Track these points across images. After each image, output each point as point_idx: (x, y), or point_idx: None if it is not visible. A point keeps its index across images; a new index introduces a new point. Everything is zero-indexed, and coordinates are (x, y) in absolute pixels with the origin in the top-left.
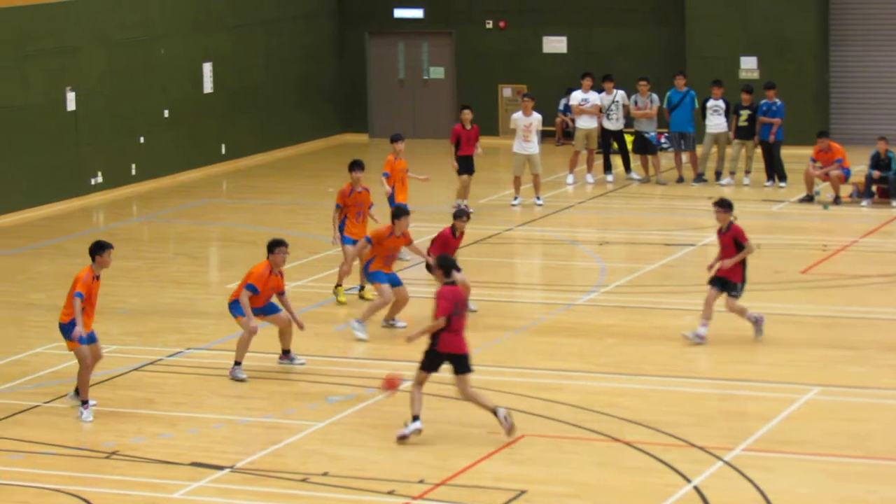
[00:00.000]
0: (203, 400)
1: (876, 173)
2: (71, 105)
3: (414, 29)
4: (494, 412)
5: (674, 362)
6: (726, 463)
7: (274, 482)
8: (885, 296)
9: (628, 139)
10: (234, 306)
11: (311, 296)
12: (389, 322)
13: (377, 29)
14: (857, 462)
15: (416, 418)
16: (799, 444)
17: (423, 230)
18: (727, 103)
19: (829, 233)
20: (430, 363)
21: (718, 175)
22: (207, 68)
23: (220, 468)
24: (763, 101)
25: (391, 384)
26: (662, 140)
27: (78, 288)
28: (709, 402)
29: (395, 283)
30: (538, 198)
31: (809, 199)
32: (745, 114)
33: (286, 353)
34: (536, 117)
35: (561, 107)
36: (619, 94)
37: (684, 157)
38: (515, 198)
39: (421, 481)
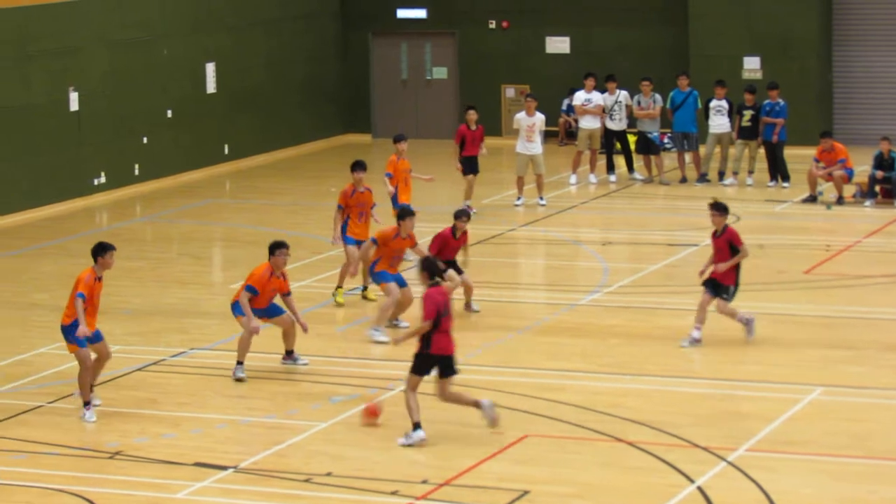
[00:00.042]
0: (206, 400)
1: (879, 173)
2: (73, 105)
3: (417, 29)
4: (478, 405)
5: (677, 363)
6: (729, 463)
7: (277, 482)
8: (888, 296)
9: (631, 139)
10: (237, 307)
11: (313, 296)
12: (393, 322)
13: (380, 29)
14: (858, 462)
15: (417, 426)
16: (801, 445)
17: (427, 230)
18: (730, 103)
19: (833, 233)
20: (423, 366)
21: (722, 175)
22: (210, 68)
23: (224, 468)
24: (766, 102)
25: (372, 413)
26: (665, 140)
27: (80, 289)
28: (712, 403)
29: (401, 283)
30: (541, 198)
31: (812, 199)
32: (748, 114)
33: (289, 354)
34: (540, 117)
35: (564, 107)
36: (622, 95)
37: (687, 157)
38: (519, 198)
39: (424, 481)
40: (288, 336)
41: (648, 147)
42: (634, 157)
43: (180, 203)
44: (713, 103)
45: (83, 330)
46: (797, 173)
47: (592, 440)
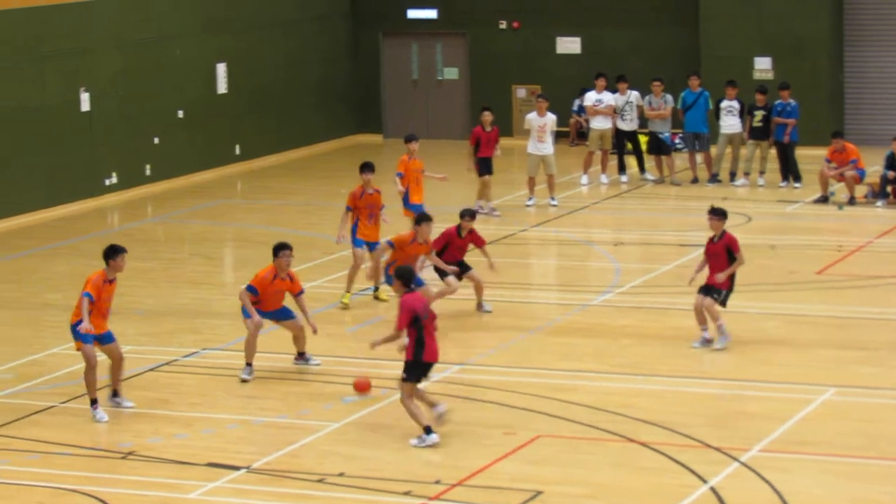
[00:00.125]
0: (218, 400)
1: (891, 174)
2: (85, 106)
3: (427, 30)
4: (433, 406)
5: (689, 363)
6: (742, 464)
7: (290, 482)
8: None
9: (642, 140)
10: (245, 310)
11: (325, 296)
12: None
13: (391, 30)
14: (871, 463)
15: (428, 430)
16: (814, 445)
17: (438, 231)
18: (741, 104)
19: (844, 233)
20: (416, 373)
21: (733, 176)
22: (221, 69)
23: (237, 468)
24: (777, 102)
25: (363, 387)
26: (677, 141)
27: (87, 289)
28: (724, 403)
29: (418, 284)
30: (553, 198)
31: (824, 199)
32: (759, 114)
33: (301, 356)
34: (551, 118)
35: (575, 107)
36: (634, 95)
37: (699, 157)
38: (530, 198)
39: (437, 482)
40: (298, 339)
41: (660, 147)
42: (646, 157)
43: (192, 203)
44: (724, 104)
45: (85, 326)
46: (809, 174)
47: (605, 440)
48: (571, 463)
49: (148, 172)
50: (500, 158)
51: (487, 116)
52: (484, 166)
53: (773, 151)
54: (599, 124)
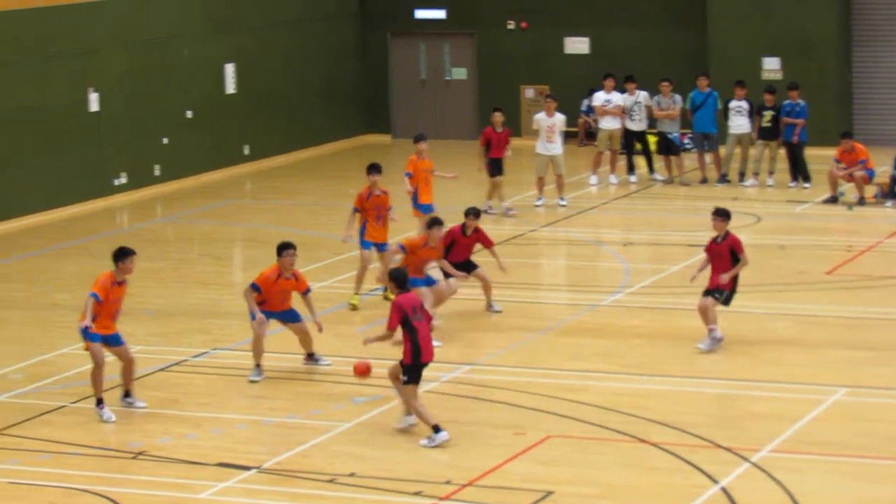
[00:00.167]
0: (228, 400)
1: None
2: (94, 106)
3: (435, 30)
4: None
5: (699, 363)
6: (753, 464)
7: (301, 483)
8: None
9: (651, 140)
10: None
11: (334, 296)
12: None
13: (399, 30)
14: (882, 463)
15: (437, 429)
16: (825, 446)
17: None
18: (750, 104)
19: (854, 233)
20: (415, 375)
21: (742, 176)
22: (230, 69)
23: (247, 468)
24: (786, 102)
25: (362, 370)
26: (685, 141)
27: (94, 289)
28: (735, 403)
29: (430, 282)
30: (562, 199)
31: (833, 199)
32: (768, 114)
33: (311, 356)
34: (559, 118)
35: (583, 108)
36: (642, 95)
37: (708, 157)
38: (539, 198)
39: (448, 482)
40: (304, 342)
41: (669, 148)
42: (654, 157)
43: (201, 204)
44: (733, 104)
45: (86, 324)
46: (818, 174)
47: (615, 441)
48: (582, 463)
49: (157, 172)
50: (509, 159)
51: (498, 117)
52: (495, 167)
53: (782, 152)
54: (608, 124)
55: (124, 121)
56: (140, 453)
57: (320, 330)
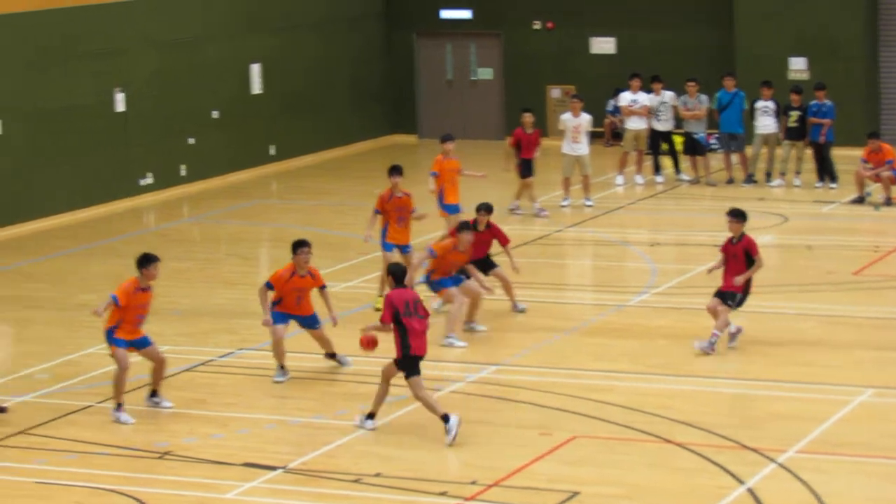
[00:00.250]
0: (254, 400)
1: None
2: (120, 106)
3: (462, 30)
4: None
5: (725, 364)
6: (779, 465)
7: (326, 483)
8: None
9: (677, 140)
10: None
11: (360, 297)
12: (469, 325)
13: (424, 30)
14: None
15: (446, 418)
16: (853, 447)
17: None
18: (777, 104)
19: (881, 234)
20: (413, 367)
21: (769, 176)
22: (256, 69)
23: (273, 468)
24: (813, 102)
25: (369, 343)
26: (712, 141)
27: (115, 292)
28: (761, 404)
29: (458, 282)
30: (588, 199)
31: (860, 200)
32: (794, 115)
33: (332, 355)
34: (585, 118)
35: (610, 108)
36: (668, 95)
37: (734, 158)
38: (565, 199)
39: (473, 482)
40: (322, 344)
41: (695, 148)
42: (681, 157)
43: (227, 204)
44: (759, 104)
45: (97, 310)
46: (845, 174)
47: (641, 441)
48: (607, 463)
49: (183, 173)
50: (537, 159)
51: (528, 118)
52: (525, 168)
53: (809, 152)
54: (634, 125)
55: (151, 121)
56: (166, 453)
57: (335, 324)
